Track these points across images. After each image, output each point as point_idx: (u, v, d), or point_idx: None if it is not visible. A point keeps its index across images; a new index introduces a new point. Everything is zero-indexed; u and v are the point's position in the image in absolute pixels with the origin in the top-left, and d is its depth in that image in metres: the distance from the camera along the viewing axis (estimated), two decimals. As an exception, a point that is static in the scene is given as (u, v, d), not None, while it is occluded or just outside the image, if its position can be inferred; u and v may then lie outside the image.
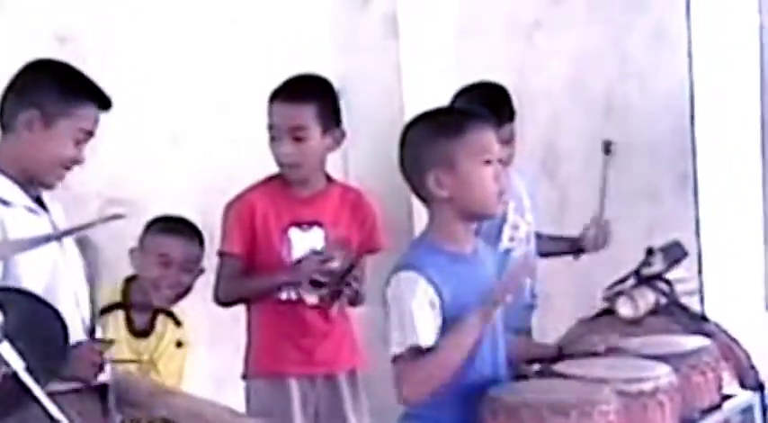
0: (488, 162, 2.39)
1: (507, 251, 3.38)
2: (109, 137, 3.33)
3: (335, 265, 3.01)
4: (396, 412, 2.46)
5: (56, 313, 2.09)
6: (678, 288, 3.29)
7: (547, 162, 4.43)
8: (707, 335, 2.87)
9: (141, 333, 3.11)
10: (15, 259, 2.34)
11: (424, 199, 2.43)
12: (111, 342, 2.64)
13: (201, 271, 3.14)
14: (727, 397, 2.72)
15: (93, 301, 2.45)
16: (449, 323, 2.33)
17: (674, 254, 3.34)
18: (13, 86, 2.56)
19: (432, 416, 2.37)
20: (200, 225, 3.32)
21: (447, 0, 3.97)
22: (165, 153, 3.50)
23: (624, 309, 3.14)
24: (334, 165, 3.25)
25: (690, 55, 4.73)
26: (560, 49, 4.44)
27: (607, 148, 3.68)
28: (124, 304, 3.10)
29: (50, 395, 1.91)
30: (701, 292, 4.22)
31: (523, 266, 2.76)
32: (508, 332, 2.58)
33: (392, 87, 3.81)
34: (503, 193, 2.43)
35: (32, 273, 2.40)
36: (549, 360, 2.57)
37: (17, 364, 1.86)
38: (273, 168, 3.14)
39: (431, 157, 2.37)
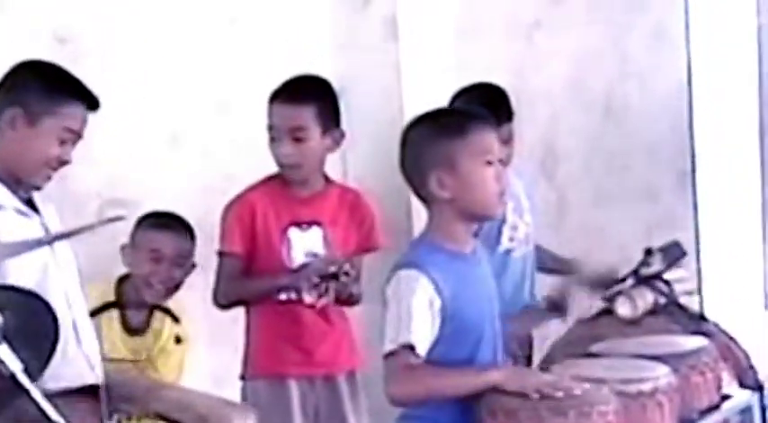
0: (490, 163, 2.39)
1: (507, 252, 3.39)
2: (108, 137, 3.35)
3: (334, 268, 3.01)
4: (394, 413, 2.46)
5: (48, 309, 2.08)
6: (677, 288, 3.28)
7: (546, 162, 4.43)
8: (706, 335, 2.87)
9: (137, 331, 3.11)
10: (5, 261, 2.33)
11: (425, 199, 2.44)
12: None
13: (193, 266, 3.14)
14: (726, 397, 2.72)
15: None
16: (447, 322, 2.33)
17: (674, 254, 3.34)
18: (1, 86, 2.56)
19: (430, 416, 2.37)
20: (199, 225, 3.32)
21: (447, 1, 3.97)
22: (165, 153, 3.51)
23: (623, 309, 3.13)
24: (332, 165, 3.26)
25: (689, 55, 4.73)
26: (560, 49, 4.44)
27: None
28: (118, 303, 3.10)
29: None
30: (700, 291, 4.22)
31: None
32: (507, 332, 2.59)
33: (392, 88, 3.81)
34: (503, 194, 2.44)
35: (21, 274, 2.39)
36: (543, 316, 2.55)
37: (15, 366, 1.85)
38: (273, 168, 3.14)
39: (432, 158, 2.37)
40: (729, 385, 2.82)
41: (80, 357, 2.52)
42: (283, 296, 3.09)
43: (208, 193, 3.45)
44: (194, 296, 3.19)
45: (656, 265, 3.27)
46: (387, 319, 2.33)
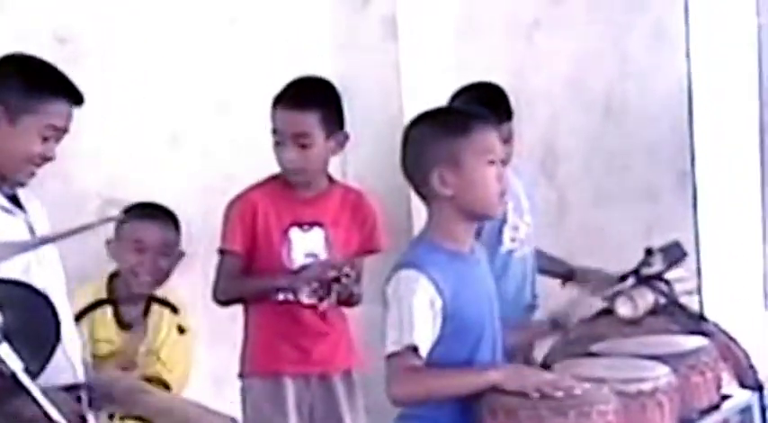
0: (492, 162, 2.40)
1: (509, 252, 3.39)
2: (108, 137, 3.35)
3: (333, 273, 3.01)
4: (394, 412, 2.46)
5: (48, 304, 2.08)
6: (677, 288, 3.29)
7: (546, 162, 4.43)
8: (706, 335, 2.87)
9: (132, 325, 3.10)
10: None
11: (425, 197, 2.44)
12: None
13: (181, 255, 3.13)
14: (726, 397, 2.72)
15: None
16: (447, 322, 2.33)
17: (674, 254, 3.34)
18: None
19: (430, 415, 2.38)
20: (200, 225, 3.33)
21: (446, 0, 3.97)
22: (165, 153, 3.51)
23: (623, 309, 3.13)
24: (332, 165, 3.25)
25: (689, 55, 4.73)
26: (559, 49, 4.44)
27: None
28: (111, 299, 3.09)
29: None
30: (699, 291, 4.21)
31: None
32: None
33: (391, 88, 3.81)
34: (504, 194, 2.44)
35: (2, 272, 2.32)
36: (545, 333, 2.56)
37: (15, 365, 1.85)
38: (273, 168, 3.14)
39: (435, 155, 2.37)
40: (729, 385, 2.82)
41: (61, 357, 2.51)
42: (281, 297, 3.10)
43: (208, 193, 3.46)
44: (194, 295, 3.20)
45: (656, 265, 3.27)
46: (387, 320, 2.34)
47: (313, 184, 3.12)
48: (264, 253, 3.10)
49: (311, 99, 3.07)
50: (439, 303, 2.33)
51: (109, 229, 3.09)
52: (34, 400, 1.86)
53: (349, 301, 3.14)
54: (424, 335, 2.31)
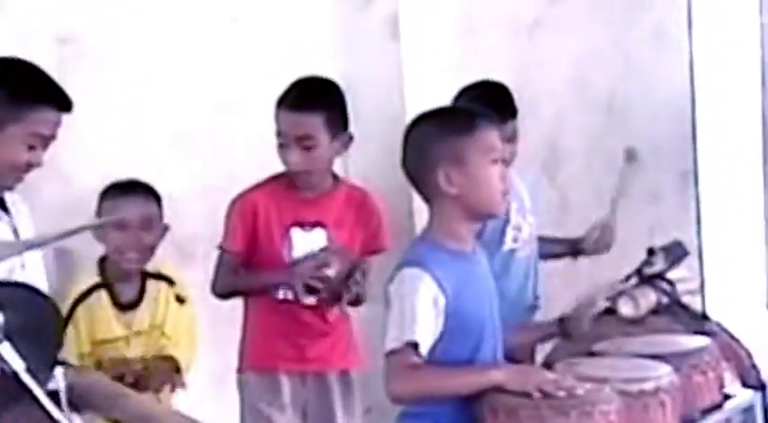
0: (495, 161, 2.41)
1: (511, 252, 3.39)
2: (109, 137, 3.35)
3: (331, 272, 3.00)
4: (396, 411, 2.46)
5: (51, 304, 2.07)
6: (679, 287, 3.28)
7: (548, 162, 4.43)
8: (708, 334, 2.86)
9: (130, 305, 3.09)
10: None
11: (427, 196, 2.44)
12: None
13: (166, 228, 3.12)
14: (728, 396, 2.71)
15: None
16: (449, 321, 2.33)
17: (676, 253, 3.33)
18: None
19: (432, 414, 2.37)
20: (202, 224, 3.33)
21: (448, 0, 3.97)
22: (166, 153, 3.50)
23: (626, 308, 3.13)
24: (335, 165, 3.25)
25: (691, 54, 4.72)
26: (562, 48, 4.44)
27: (630, 155, 3.61)
28: (104, 283, 3.08)
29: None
30: (702, 291, 4.21)
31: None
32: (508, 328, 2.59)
33: (394, 88, 3.81)
34: (507, 193, 2.45)
35: None
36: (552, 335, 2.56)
37: (17, 365, 1.85)
38: (275, 167, 3.14)
39: (440, 154, 2.37)
40: (732, 385, 2.81)
41: None
42: (281, 295, 3.09)
43: (209, 192, 3.46)
44: (195, 293, 3.19)
45: (658, 264, 3.27)
46: (389, 318, 2.34)
47: (317, 185, 3.12)
48: (265, 252, 3.10)
49: (315, 101, 3.05)
50: (442, 302, 2.33)
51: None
52: (36, 400, 1.85)
53: (353, 302, 3.13)
54: (426, 332, 2.30)
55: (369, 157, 3.70)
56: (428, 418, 2.39)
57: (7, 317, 1.88)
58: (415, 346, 2.29)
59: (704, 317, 3.26)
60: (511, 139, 3.30)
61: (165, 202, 3.20)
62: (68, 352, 2.91)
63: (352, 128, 3.16)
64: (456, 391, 2.33)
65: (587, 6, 4.55)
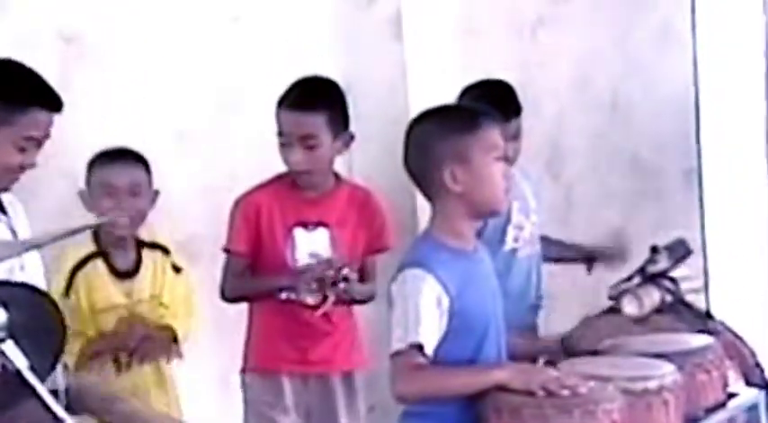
0: (498, 159, 2.41)
1: (513, 251, 3.38)
2: (111, 136, 3.35)
3: (332, 274, 3.01)
4: (400, 411, 2.46)
5: (52, 303, 2.07)
6: (683, 286, 3.28)
7: (551, 161, 4.42)
8: (712, 333, 2.86)
9: (128, 273, 3.09)
10: None
11: (430, 195, 2.44)
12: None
13: (156, 194, 3.11)
14: (732, 395, 2.71)
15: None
16: (453, 320, 2.33)
17: (679, 252, 3.33)
18: None
19: (435, 413, 2.37)
20: (206, 224, 3.33)
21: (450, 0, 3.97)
22: (169, 152, 3.51)
23: (629, 307, 3.12)
24: (338, 165, 3.25)
25: (695, 52, 4.71)
26: (565, 47, 4.43)
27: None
28: (100, 252, 3.07)
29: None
30: (706, 289, 4.20)
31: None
32: (514, 332, 2.58)
33: (397, 87, 3.81)
34: (509, 192, 2.45)
35: None
36: (554, 353, 2.56)
37: (21, 363, 1.85)
38: (278, 167, 3.14)
39: (444, 152, 2.37)
40: (736, 383, 2.80)
41: None
42: (284, 296, 3.09)
43: (212, 191, 3.46)
44: (200, 293, 3.19)
45: (662, 263, 3.26)
46: (393, 319, 2.33)
47: (319, 184, 3.12)
48: (269, 252, 3.10)
49: (318, 100, 3.06)
50: (446, 301, 2.32)
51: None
52: (39, 397, 1.86)
53: (355, 301, 3.13)
54: (430, 333, 2.30)
55: (372, 157, 3.70)
56: (432, 417, 2.38)
57: (10, 316, 1.88)
58: (419, 347, 2.29)
59: (708, 315, 3.26)
60: (515, 137, 3.30)
61: (168, 201, 3.21)
62: (72, 320, 2.90)
63: (355, 128, 3.16)
64: (460, 391, 2.33)
65: (590, 5, 4.54)
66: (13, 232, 2.53)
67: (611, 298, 3.23)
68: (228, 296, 3.13)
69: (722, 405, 2.64)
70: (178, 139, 3.55)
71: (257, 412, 3.14)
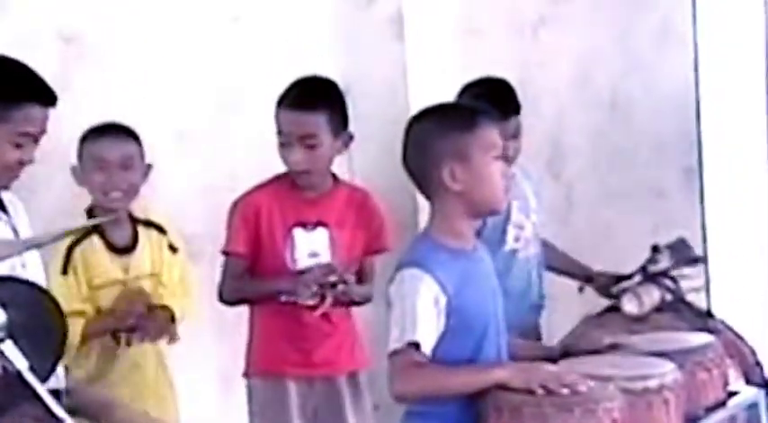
0: (497, 158, 2.41)
1: (513, 251, 3.37)
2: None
3: (334, 279, 3.00)
4: (402, 410, 2.46)
5: (52, 301, 2.07)
6: (684, 285, 3.28)
7: (552, 160, 4.42)
8: (712, 332, 2.86)
9: (125, 249, 3.08)
10: None
11: (429, 194, 2.43)
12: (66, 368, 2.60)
13: (149, 168, 3.10)
14: (732, 394, 2.71)
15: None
16: (452, 319, 2.33)
17: (680, 251, 3.33)
18: None
19: (437, 412, 2.37)
20: (206, 223, 3.33)
21: (451, -1, 3.98)
22: (169, 152, 3.51)
23: (629, 306, 3.13)
24: (339, 165, 3.25)
25: (695, 50, 4.71)
26: (565, 46, 4.43)
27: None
28: (95, 228, 3.05)
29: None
30: (707, 288, 4.20)
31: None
32: (515, 332, 2.58)
33: (397, 87, 3.81)
34: (508, 191, 2.45)
35: None
36: (554, 360, 2.56)
37: (21, 364, 1.85)
38: (278, 167, 3.14)
39: (444, 151, 2.37)
40: (736, 382, 2.80)
41: None
42: (284, 297, 3.09)
43: (212, 191, 3.46)
44: (200, 293, 3.19)
45: (663, 262, 3.26)
46: (391, 319, 2.33)
47: (318, 185, 3.12)
48: (268, 253, 3.09)
49: (318, 99, 3.06)
50: (443, 301, 2.32)
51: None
52: (39, 397, 1.85)
53: (353, 302, 3.13)
54: (428, 332, 2.30)
55: (372, 157, 3.70)
56: (433, 417, 2.38)
57: (9, 315, 1.87)
58: (416, 346, 2.29)
59: (708, 314, 3.26)
60: (515, 135, 3.30)
61: (168, 201, 3.21)
62: (71, 298, 2.91)
63: (356, 128, 3.16)
64: (459, 390, 2.33)
65: (590, 4, 4.54)
66: (15, 231, 2.53)
67: (611, 297, 3.23)
68: (227, 299, 3.12)
69: (722, 404, 2.64)
70: (178, 138, 3.55)
71: (264, 418, 3.13)
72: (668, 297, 3.17)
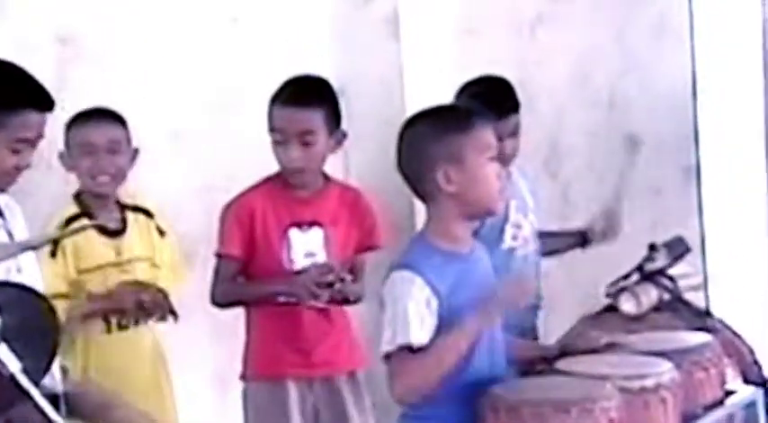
0: (492, 159, 2.41)
1: (511, 250, 3.37)
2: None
3: (333, 278, 3.00)
4: (400, 409, 2.46)
5: (47, 304, 2.06)
6: (682, 283, 3.28)
7: (550, 158, 4.42)
8: (710, 331, 2.86)
9: (116, 232, 3.08)
10: None
11: (424, 196, 2.43)
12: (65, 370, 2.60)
13: (136, 152, 3.11)
14: (730, 393, 2.71)
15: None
16: (444, 323, 2.33)
17: (677, 249, 3.33)
18: None
19: (432, 414, 2.37)
20: (201, 224, 3.32)
21: (448, -1, 3.97)
22: (166, 152, 3.51)
23: (627, 305, 3.13)
24: (335, 164, 3.25)
25: (693, 48, 4.71)
26: (562, 44, 4.43)
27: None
28: (85, 212, 3.05)
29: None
30: (705, 287, 4.21)
31: (522, 283, 2.66)
32: (512, 332, 2.58)
33: (393, 87, 3.81)
34: (503, 192, 2.45)
35: None
36: (551, 359, 2.56)
37: (14, 366, 1.84)
38: (274, 167, 3.13)
39: (438, 153, 2.36)
40: (734, 381, 2.80)
41: None
42: (282, 298, 3.08)
43: (209, 191, 3.46)
44: (196, 294, 3.19)
45: (660, 260, 3.26)
46: (383, 321, 2.33)
47: (311, 183, 3.11)
48: (264, 255, 3.07)
49: (315, 97, 3.06)
50: (435, 303, 2.32)
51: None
52: (32, 400, 1.85)
53: (347, 300, 3.12)
54: (420, 333, 2.30)
55: (368, 157, 3.70)
56: (431, 419, 2.37)
57: (4, 319, 1.87)
58: (409, 348, 2.29)
59: (706, 313, 3.26)
60: (513, 133, 3.30)
61: (165, 201, 3.21)
62: (57, 281, 2.91)
63: (352, 127, 3.17)
64: (451, 360, 2.29)
65: (588, 3, 4.54)
66: (10, 235, 2.52)
67: (608, 296, 3.23)
68: (220, 301, 3.10)
69: (720, 403, 2.64)
70: (174, 138, 3.55)
71: (263, 420, 3.12)
72: (666, 296, 3.17)
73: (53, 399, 2.38)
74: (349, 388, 3.17)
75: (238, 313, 3.19)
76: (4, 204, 2.56)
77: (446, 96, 3.37)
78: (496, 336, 2.45)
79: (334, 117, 3.09)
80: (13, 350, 1.86)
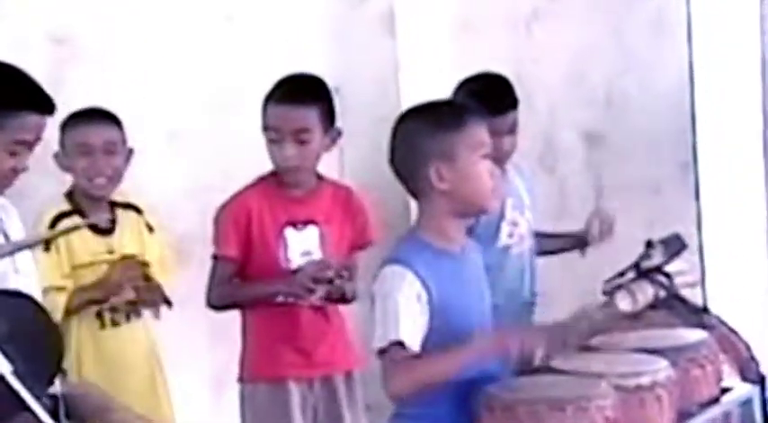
0: (484, 156, 2.39)
1: (506, 248, 3.37)
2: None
3: (331, 275, 3.00)
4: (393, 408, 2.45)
5: (44, 311, 2.06)
6: (679, 281, 3.26)
7: (546, 156, 4.42)
8: (706, 328, 2.85)
9: (107, 230, 3.08)
10: None
11: (416, 193, 2.43)
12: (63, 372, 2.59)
13: (131, 152, 3.11)
14: (726, 390, 2.70)
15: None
16: (435, 319, 2.32)
17: (674, 246, 3.32)
18: None
19: (426, 414, 2.36)
20: (198, 223, 3.32)
21: (443, -4, 3.97)
22: (162, 152, 3.51)
23: (623, 303, 3.11)
24: (330, 162, 3.25)
25: (690, 46, 4.71)
26: (559, 41, 4.43)
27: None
28: (76, 210, 3.06)
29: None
30: (702, 284, 4.20)
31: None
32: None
33: (389, 84, 3.81)
34: (496, 190, 2.44)
35: None
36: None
37: (4, 368, 1.84)
38: (271, 166, 3.13)
39: (431, 150, 2.35)
40: (730, 378, 2.80)
41: None
42: (280, 298, 3.08)
43: (205, 191, 3.45)
44: (192, 297, 3.18)
45: (656, 257, 3.25)
46: (375, 317, 2.33)
47: (305, 182, 3.11)
48: (260, 255, 3.07)
49: (310, 95, 3.06)
50: (425, 298, 2.31)
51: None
52: (24, 403, 1.85)
53: (342, 299, 3.12)
54: (411, 329, 2.29)
55: (363, 154, 3.70)
56: (426, 418, 2.37)
57: (1, 327, 1.87)
58: (401, 344, 2.28)
59: (703, 310, 3.25)
60: (511, 130, 3.30)
61: (162, 201, 3.20)
62: (53, 274, 2.92)
63: (347, 125, 3.17)
64: (448, 371, 2.29)
65: (584, -1, 4.54)
66: (6, 237, 2.52)
67: (604, 293, 3.22)
68: (216, 304, 3.09)
69: (716, 400, 2.63)
70: (170, 138, 3.55)
71: (263, 421, 3.12)
72: (662, 294, 3.16)
73: (52, 400, 2.39)
74: (345, 387, 3.17)
75: (235, 314, 3.18)
76: (0, 206, 2.56)
77: (442, 94, 3.36)
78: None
79: (328, 115, 3.08)
80: (11, 359, 1.85)
